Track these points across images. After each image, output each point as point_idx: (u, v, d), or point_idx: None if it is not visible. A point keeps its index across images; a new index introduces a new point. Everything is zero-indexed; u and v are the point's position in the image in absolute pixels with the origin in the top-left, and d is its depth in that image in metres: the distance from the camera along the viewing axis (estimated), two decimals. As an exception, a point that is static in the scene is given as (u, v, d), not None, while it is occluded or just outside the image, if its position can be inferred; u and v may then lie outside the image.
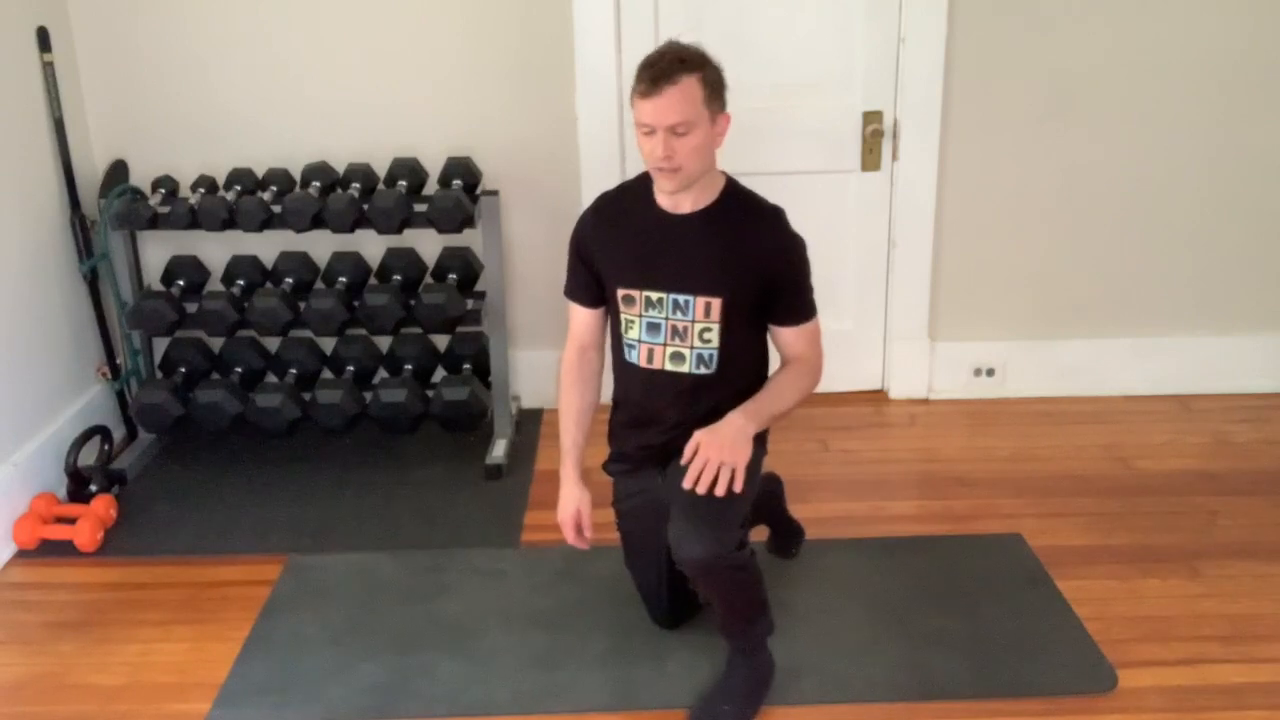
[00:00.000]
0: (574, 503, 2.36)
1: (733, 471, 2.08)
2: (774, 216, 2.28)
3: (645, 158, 2.16)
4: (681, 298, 2.23)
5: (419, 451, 3.45)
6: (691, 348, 2.25)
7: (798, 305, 2.27)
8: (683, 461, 2.13)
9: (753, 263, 2.22)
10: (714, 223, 2.24)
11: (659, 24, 3.45)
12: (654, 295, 2.24)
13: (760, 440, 2.27)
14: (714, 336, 2.24)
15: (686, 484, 2.10)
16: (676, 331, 2.25)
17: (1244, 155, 3.57)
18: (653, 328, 2.27)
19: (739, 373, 2.29)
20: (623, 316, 2.30)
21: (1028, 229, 3.64)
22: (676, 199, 2.23)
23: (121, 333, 3.46)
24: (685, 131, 2.10)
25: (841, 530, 2.96)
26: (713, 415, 2.18)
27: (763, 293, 2.23)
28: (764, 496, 2.63)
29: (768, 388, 2.27)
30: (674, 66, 2.08)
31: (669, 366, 2.28)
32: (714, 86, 2.14)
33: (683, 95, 2.07)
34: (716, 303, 2.22)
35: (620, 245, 2.30)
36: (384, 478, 3.31)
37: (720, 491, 2.08)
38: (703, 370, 2.27)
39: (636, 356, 2.30)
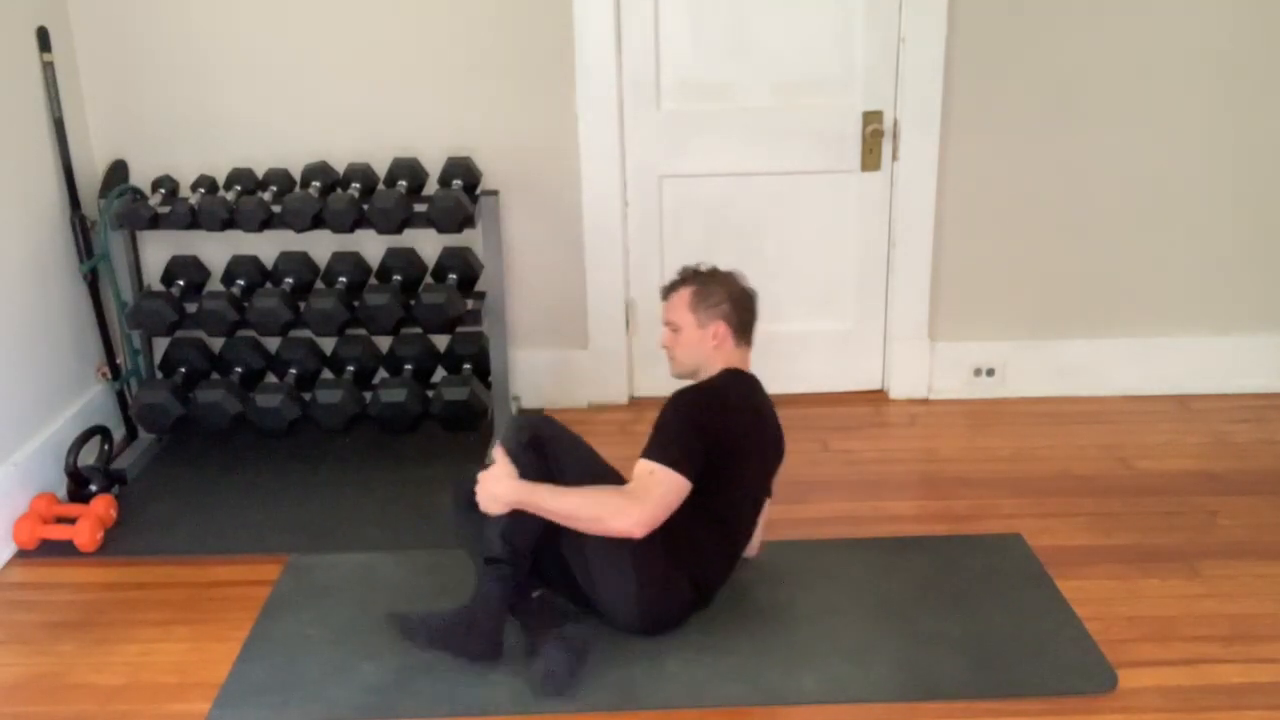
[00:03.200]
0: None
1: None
2: (682, 389, 2.60)
3: None
4: None
5: (419, 451, 3.45)
6: None
7: (649, 441, 2.47)
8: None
9: None
10: None
11: (659, 24, 3.45)
12: None
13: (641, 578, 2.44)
14: None
15: None
16: None
17: (1244, 155, 3.57)
18: None
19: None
20: None
21: (1028, 229, 3.64)
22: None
23: (121, 333, 3.46)
24: (676, 329, 2.65)
25: (841, 530, 2.96)
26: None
27: None
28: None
29: (564, 489, 2.43)
30: (676, 281, 2.70)
31: None
32: (699, 297, 2.63)
33: (675, 302, 2.67)
34: None
35: None
36: (384, 478, 3.31)
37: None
38: None
39: None
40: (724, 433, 2.49)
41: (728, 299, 2.63)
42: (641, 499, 2.37)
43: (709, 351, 2.62)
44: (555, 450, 2.50)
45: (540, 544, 2.45)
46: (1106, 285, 3.71)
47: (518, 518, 2.42)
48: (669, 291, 2.69)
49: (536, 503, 2.40)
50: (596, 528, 2.37)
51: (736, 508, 2.59)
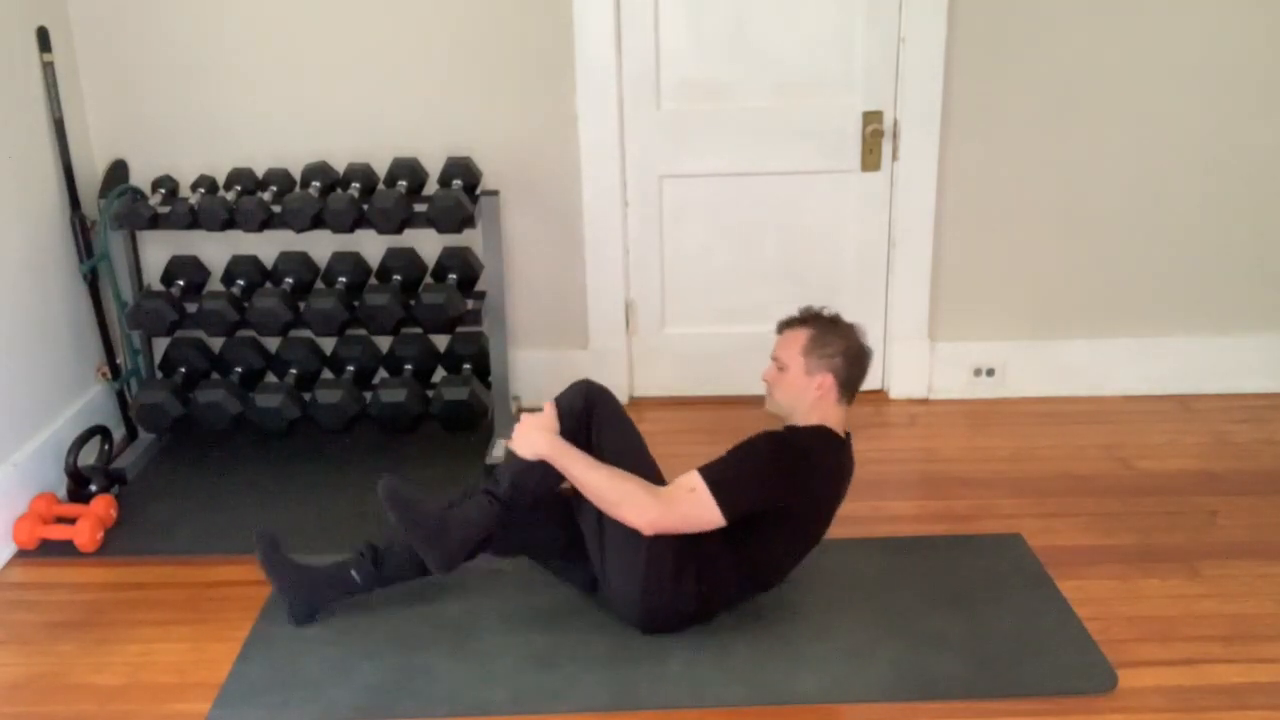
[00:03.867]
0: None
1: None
2: (777, 434, 2.55)
3: None
4: None
5: (419, 451, 3.45)
6: None
7: (715, 460, 2.45)
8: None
9: None
10: None
11: (659, 24, 3.45)
12: None
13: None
14: None
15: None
16: None
17: (1243, 155, 3.57)
18: None
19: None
20: None
21: (1028, 229, 3.64)
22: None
23: (121, 333, 3.46)
24: (782, 368, 2.57)
25: (841, 530, 2.94)
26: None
27: None
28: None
29: (598, 462, 2.43)
30: (795, 319, 2.62)
31: None
32: (815, 343, 2.55)
33: (789, 340, 2.59)
34: None
35: None
36: (384, 478, 3.31)
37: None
38: None
39: None
40: (792, 502, 2.46)
41: (843, 353, 2.54)
42: (666, 504, 2.37)
43: (810, 400, 2.53)
44: (601, 423, 2.51)
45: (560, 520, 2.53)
46: (1106, 285, 3.70)
47: (533, 470, 2.45)
48: (785, 327, 2.63)
49: (566, 464, 2.42)
50: (611, 510, 2.39)
51: (775, 559, 2.55)
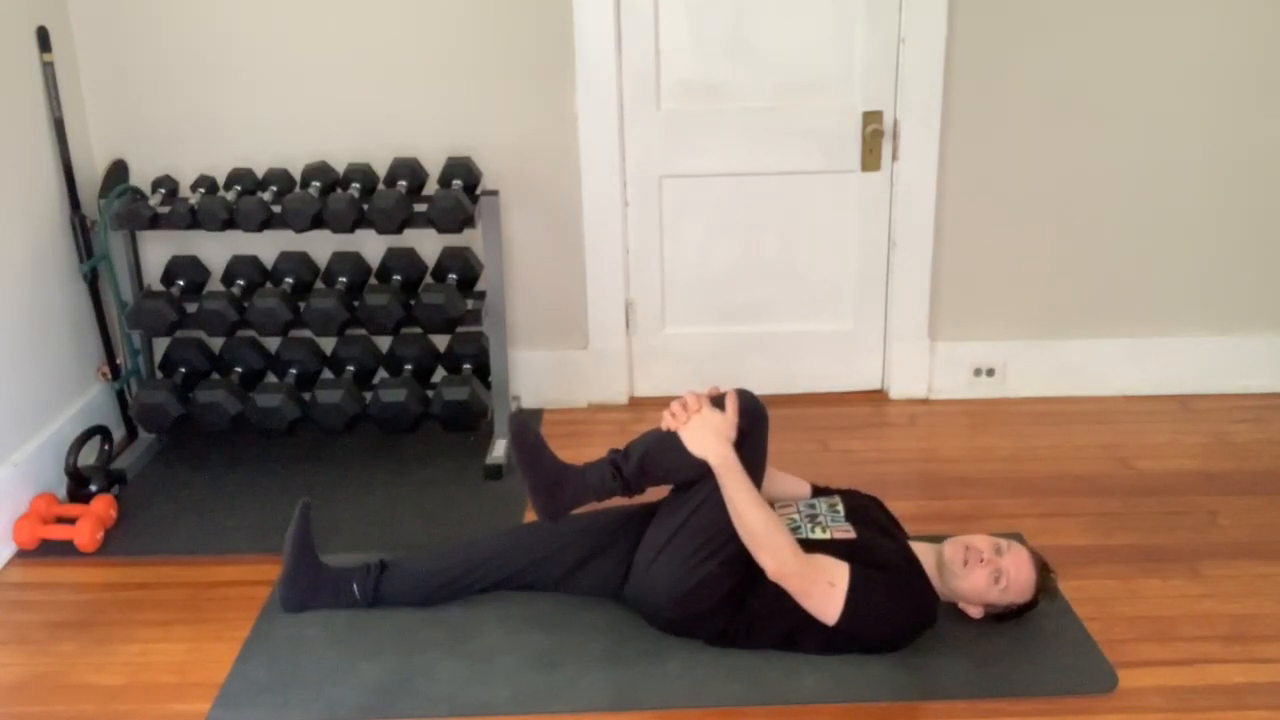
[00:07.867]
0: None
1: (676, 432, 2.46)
2: (923, 584, 2.53)
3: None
4: None
5: (419, 451, 3.45)
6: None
7: (874, 560, 2.45)
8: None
9: None
10: None
11: (659, 24, 3.45)
12: None
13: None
14: None
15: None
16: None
17: (1244, 155, 3.57)
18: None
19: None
20: None
21: (1028, 229, 3.64)
22: None
23: (121, 333, 3.46)
24: (996, 571, 2.47)
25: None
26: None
27: None
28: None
29: (760, 499, 2.40)
30: (1050, 573, 2.52)
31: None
32: (1045, 583, 2.52)
33: (1022, 560, 2.50)
34: None
35: None
36: (384, 478, 3.31)
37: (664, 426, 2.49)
38: None
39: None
40: (889, 638, 2.44)
41: (1025, 606, 2.49)
42: (802, 575, 2.35)
43: (965, 593, 2.48)
44: (748, 447, 2.46)
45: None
46: (1106, 285, 3.71)
47: (663, 457, 2.44)
48: (1021, 544, 2.53)
49: (730, 484, 2.38)
50: (750, 544, 2.37)
51: (817, 647, 2.45)
